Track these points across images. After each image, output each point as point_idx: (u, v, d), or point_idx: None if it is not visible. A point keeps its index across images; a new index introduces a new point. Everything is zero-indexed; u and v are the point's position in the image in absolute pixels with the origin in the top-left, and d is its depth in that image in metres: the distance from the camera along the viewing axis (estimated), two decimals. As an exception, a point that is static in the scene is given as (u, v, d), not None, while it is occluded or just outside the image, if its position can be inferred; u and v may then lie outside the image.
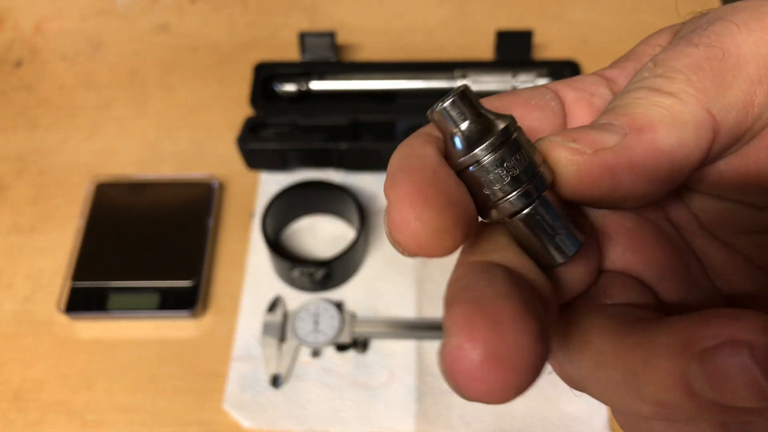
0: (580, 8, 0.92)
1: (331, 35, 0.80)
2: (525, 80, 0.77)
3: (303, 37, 0.80)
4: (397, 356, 0.66)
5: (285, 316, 0.68)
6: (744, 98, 0.22)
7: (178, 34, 0.91)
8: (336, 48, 0.81)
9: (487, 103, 0.26)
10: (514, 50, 0.80)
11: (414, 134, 0.24)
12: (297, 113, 0.77)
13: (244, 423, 0.63)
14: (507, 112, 0.25)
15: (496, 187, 0.22)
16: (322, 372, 0.65)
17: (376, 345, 0.67)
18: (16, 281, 0.72)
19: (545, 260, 0.24)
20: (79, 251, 0.72)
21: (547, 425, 0.62)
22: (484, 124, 0.22)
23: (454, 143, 0.23)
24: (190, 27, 0.92)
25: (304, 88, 0.78)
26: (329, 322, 0.67)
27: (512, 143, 0.22)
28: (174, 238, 0.72)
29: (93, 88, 0.87)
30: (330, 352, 0.67)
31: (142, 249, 0.72)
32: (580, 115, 0.27)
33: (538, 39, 0.86)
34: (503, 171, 0.22)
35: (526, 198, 0.22)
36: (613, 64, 0.27)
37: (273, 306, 0.68)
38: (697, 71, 0.22)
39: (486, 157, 0.22)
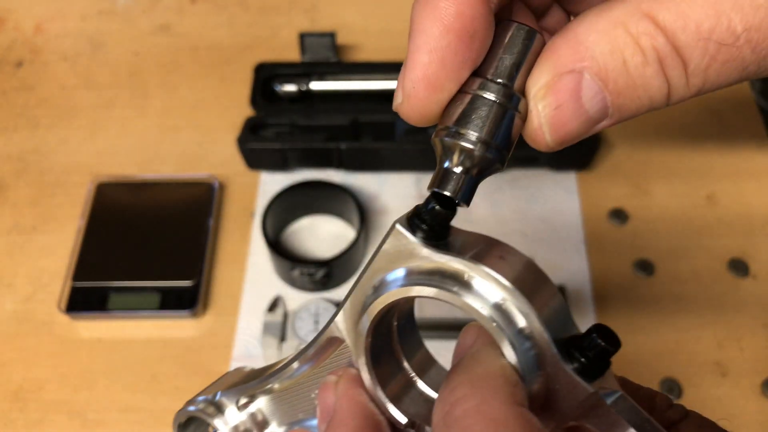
0: (579, 8, 0.92)
1: (331, 35, 0.80)
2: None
3: (303, 38, 0.80)
4: (397, 356, 0.66)
5: (285, 315, 0.68)
6: None
7: (179, 34, 0.91)
8: (336, 48, 0.81)
9: None
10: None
11: None
12: (297, 113, 0.77)
13: (245, 422, 0.63)
14: None
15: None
16: (322, 371, 0.65)
17: (376, 344, 0.67)
18: (17, 281, 0.72)
19: None
20: (80, 251, 0.72)
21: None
22: None
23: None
24: (190, 27, 0.92)
25: (304, 89, 0.78)
26: (329, 321, 0.67)
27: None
28: (174, 238, 0.73)
29: (93, 89, 0.87)
30: (330, 352, 0.67)
31: (143, 249, 0.72)
32: None
33: (537, 39, 0.86)
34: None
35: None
36: None
37: (273, 306, 0.68)
38: None
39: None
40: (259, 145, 0.75)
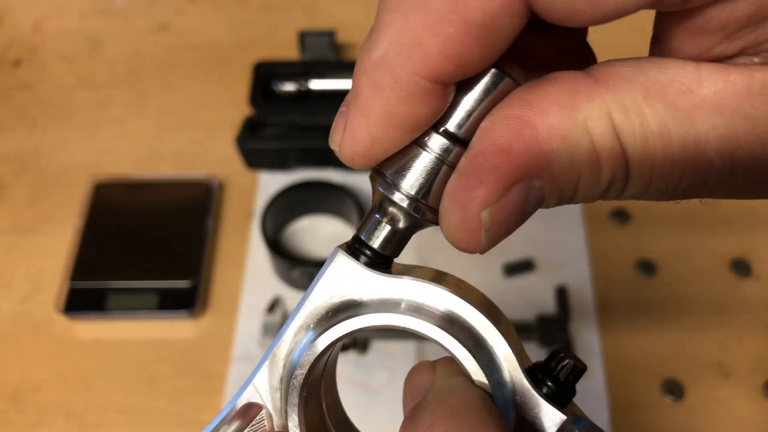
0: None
1: (330, 34, 0.80)
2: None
3: (302, 36, 0.80)
4: (397, 357, 0.66)
5: (284, 316, 0.68)
6: None
7: (178, 33, 0.91)
8: (335, 47, 0.81)
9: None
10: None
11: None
12: (296, 112, 0.77)
13: (244, 424, 0.63)
14: None
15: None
16: (321, 372, 0.65)
17: (376, 346, 0.67)
18: (15, 281, 0.72)
19: None
20: (78, 251, 0.71)
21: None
22: None
23: None
24: (189, 26, 0.91)
25: (303, 88, 0.78)
26: (329, 322, 0.67)
27: None
28: (173, 238, 0.72)
29: (92, 88, 0.86)
30: (330, 353, 0.66)
31: (141, 249, 0.72)
32: None
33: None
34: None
35: None
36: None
37: (272, 306, 0.68)
38: None
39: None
40: (258, 145, 0.75)
